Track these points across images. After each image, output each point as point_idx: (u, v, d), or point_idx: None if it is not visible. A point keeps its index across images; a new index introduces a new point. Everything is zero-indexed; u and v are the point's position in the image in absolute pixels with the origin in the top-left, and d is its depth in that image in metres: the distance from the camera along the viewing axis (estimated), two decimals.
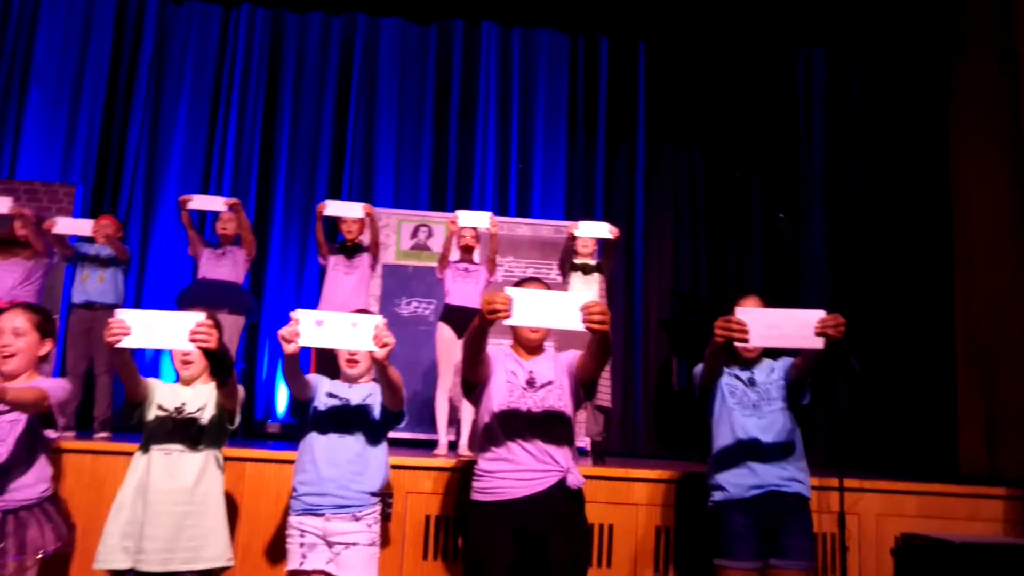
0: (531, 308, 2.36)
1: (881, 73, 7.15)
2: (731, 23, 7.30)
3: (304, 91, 7.25)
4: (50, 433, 2.78)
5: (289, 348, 2.53)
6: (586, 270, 5.16)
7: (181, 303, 5.32)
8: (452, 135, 7.36)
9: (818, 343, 2.57)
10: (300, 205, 7.09)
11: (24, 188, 6.18)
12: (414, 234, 6.73)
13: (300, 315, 2.54)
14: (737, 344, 2.60)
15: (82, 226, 5.08)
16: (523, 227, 6.87)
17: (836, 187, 7.23)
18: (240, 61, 7.22)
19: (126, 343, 2.42)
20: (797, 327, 2.57)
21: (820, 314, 2.58)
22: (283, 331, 2.52)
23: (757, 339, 2.56)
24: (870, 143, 7.19)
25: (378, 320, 2.55)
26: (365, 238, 5.41)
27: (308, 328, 2.52)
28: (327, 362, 3.39)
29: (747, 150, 7.30)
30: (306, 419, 2.86)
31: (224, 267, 5.33)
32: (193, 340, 2.43)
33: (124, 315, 2.44)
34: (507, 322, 2.36)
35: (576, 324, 2.36)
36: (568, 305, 2.37)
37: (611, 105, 7.48)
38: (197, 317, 2.46)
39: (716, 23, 7.32)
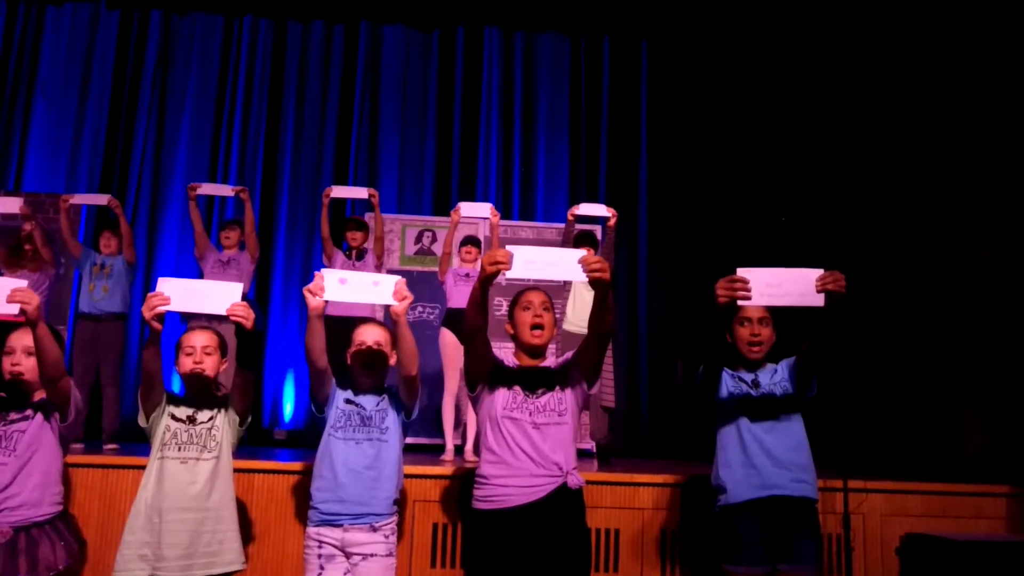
0: (531, 262, 2.48)
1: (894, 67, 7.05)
2: (734, 20, 7.28)
3: (307, 99, 7.29)
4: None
5: (314, 301, 2.66)
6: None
7: (185, 316, 5.36)
8: (455, 140, 7.38)
9: (819, 300, 2.60)
10: (305, 213, 7.12)
11: (30, 200, 6.17)
12: (418, 239, 6.76)
13: (325, 273, 2.69)
14: (740, 303, 2.59)
15: (98, 199, 5.48)
16: (526, 230, 6.89)
17: (842, 183, 7.20)
18: (243, 70, 7.27)
19: (167, 309, 2.53)
20: (798, 285, 2.60)
21: (820, 272, 2.61)
22: (309, 286, 2.65)
23: (758, 298, 2.58)
24: (883, 140, 7.12)
25: (398, 279, 2.70)
26: (368, 244, 5.45)
27: (332, 284, 2.67)
28: (337, 369, 3.41)
29: (752, 150, 7.28)
30: (323, 426, 2.90)
31: (229, 277, 5.37)
32: (232, 315, 2.55)
33: (164, 285, 2.57)
34: (508, 274, 2.47)
35: (576, 275, 2.49)
36: (567, 259, 2.50)
37: (613, 106, 7.49)
38: (237, 287, 2.61)
39: (719, 21, 7.29)
